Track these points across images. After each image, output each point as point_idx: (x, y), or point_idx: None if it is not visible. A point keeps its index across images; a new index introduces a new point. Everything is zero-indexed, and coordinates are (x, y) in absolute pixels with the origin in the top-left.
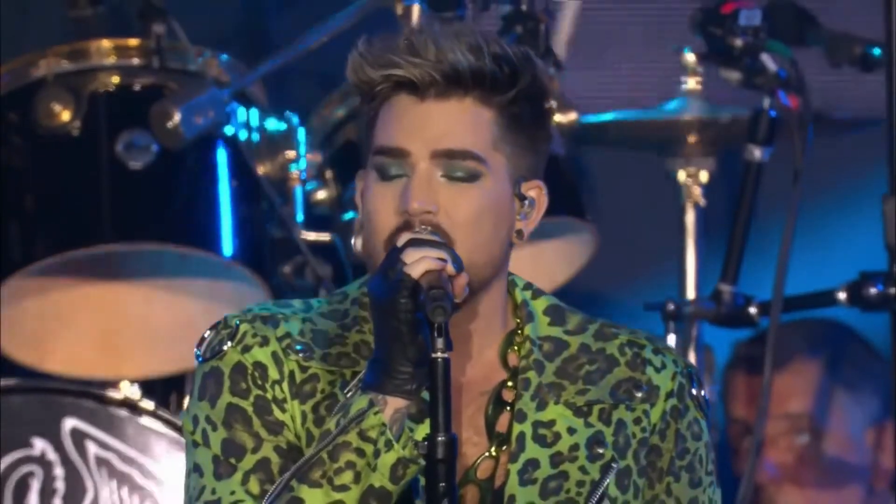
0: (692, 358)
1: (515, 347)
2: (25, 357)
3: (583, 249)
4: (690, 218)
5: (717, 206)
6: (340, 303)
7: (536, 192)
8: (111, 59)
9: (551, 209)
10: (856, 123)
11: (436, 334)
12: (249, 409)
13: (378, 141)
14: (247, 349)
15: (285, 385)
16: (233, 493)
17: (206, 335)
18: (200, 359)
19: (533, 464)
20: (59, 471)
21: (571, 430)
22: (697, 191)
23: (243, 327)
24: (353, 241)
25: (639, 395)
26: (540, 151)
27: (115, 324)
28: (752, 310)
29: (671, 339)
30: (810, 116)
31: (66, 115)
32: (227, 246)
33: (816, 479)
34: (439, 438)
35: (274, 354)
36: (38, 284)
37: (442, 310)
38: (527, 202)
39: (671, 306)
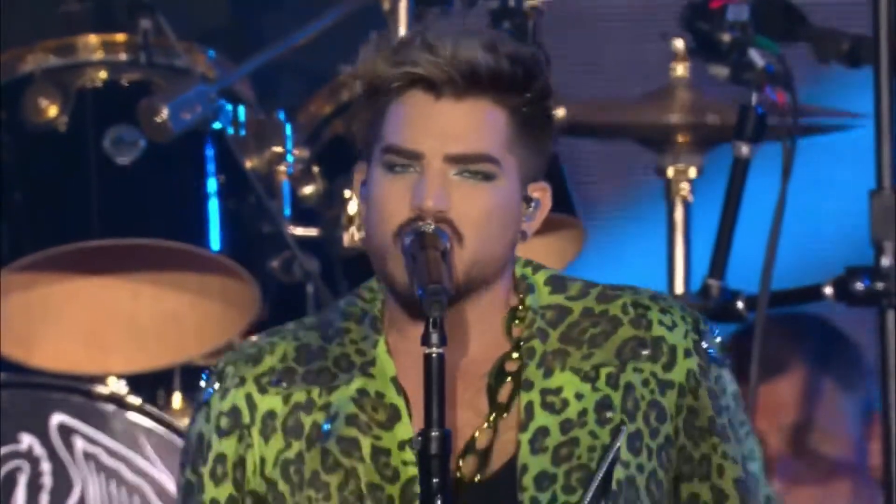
0: None
1: (517, 321)
2: (13, 352)
3: (571, 245)
4: (679, 214)
5: (705, 201)
6: (331, 311)
7: (541, 193)
8: (98, 55)
9: None
10: (843, 119)
11: (431, 328)
12: (181, 493)
13: (389, 139)
14: (225, 392)
15: (255, 430)
16: None
17: (202, 382)
18: (192, 418)
19: (543, 432)
20: (46, 466)
21: (579, 396)
22: (686, 187)
23: (227, 369)
24: (343, 235)
25: (644, 352)
26: (545, 153)
27: (102, 319)
28: (740, 304)
29: None
30: (797, 112)
31: (53, 111)
32: (215, 240)
33: (814, 475)
34: (433, 434)
35: (248, 396)
36: (25, 279)
37: (438, 304)
38: (532, 204)
39: None
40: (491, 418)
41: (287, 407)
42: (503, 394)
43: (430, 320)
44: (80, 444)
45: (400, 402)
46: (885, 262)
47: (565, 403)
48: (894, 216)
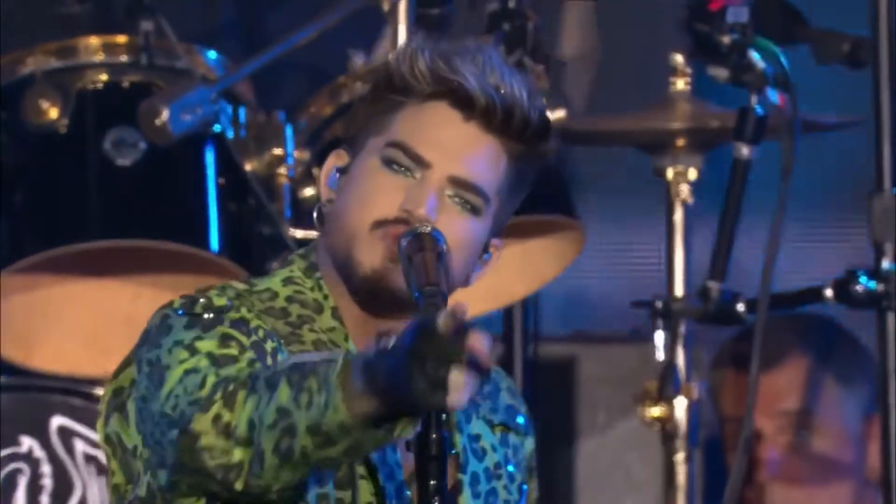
0: (680, 356)
1: None
2: (12, 354)
3: (571, 247)
4: (678, 216)
5: (705, 203)
6: (272, 300)
7: (494, 251)
8: (99, 57)
9: (541, 207)
10: (843, 120)
11: None
12: (246, 342)
13: (401, 136)
14: (251, 317)
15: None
16: (240, 369)
17: (195, 296)
18: (182, 312)
19: (475, 477)
20: (46, 468)
21: (493, 447)
22: (685, 189)
23: (237, 303)
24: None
25: (518, 422)
26: (515, 208)
27: (102, 321)
28: (740, 307)
29: (659, 337)
30: (797, 113)
31: (54, 113)
32: (215, 242)
33: (811, 474)
34: (432, 436)
35: (270, 333)
36: (25, 281)
37: (434, 306)
38: (486, 255)
39: (658, 304)
40: None
41: None
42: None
43: None
44: (80, 446)
45: None
46: (885, 264)
47: (484, 452)
48: (893, 217)
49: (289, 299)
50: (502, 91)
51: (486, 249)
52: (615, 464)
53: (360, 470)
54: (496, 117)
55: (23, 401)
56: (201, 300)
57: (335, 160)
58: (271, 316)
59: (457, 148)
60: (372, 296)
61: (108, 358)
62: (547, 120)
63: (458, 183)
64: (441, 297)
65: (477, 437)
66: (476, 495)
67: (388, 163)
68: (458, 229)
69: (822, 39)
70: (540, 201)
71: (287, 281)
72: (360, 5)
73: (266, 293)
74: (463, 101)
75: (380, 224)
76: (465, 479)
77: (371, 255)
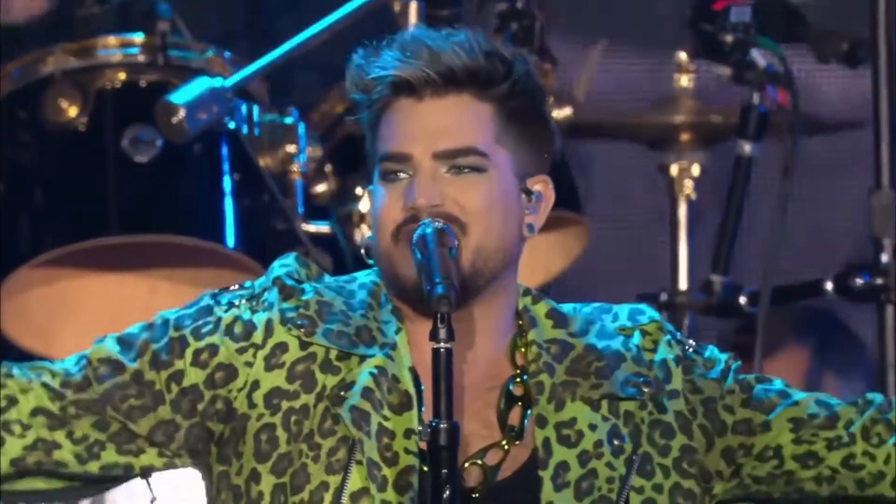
0: None
1: (522, 350)
2: (33, 345)
3: (577, 241)
4: (682, 211)
5: (708, 198)
6: (348, 282)
7: (542, 185)
8: (117, 57)
9: None
10: (843, 117)
11: (439, 323)
12: (156, 348)
13: (381, 148)
14: (254, 310)
15: (262, 354)
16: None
17: (231, 287)
18: (210, 298)
19: (563, 467)
20: None
21: (592, 427)
22: (689, 184)
23: (265, 294)
24: (354, 231)
25: (647, 390)
26: (543, 149)
27: (120, 313)
28: (742, 300)
29: None
30: (798, 111)
31: (73, 111)
32: (230, 237)
33: None
34: (442, 426)
35: (268, 322)
36: (46, 274)
37: (446, 300)
38: (534, 196)
39: (664, 297)
40: (503, 443)
41: (303, 352)
42: (513, 417)
43: (438, 316)
44: None
45: (413, 392)
46: (884, 258)
47: (580, 435)
48: (892, 213)
49: (361, 285)
50: (434, 57)
51: (528, 192)
52: None
53: (357, 455)
54: (440, 83)
55: None
56: (233, 287)
57: (368, 196)
58: (336, 293)
59: (425, 127)
60: (423, 306)
61: None
62: (501, 55)
63: (444, 156)
64: (452, 290)
65: (571, 422)
66: (563, 486)
67: (385, 176)
68: (471, 196)
69: (822, 39)
70: None
71: (371, 272)
72: (373, 5)
73: (347, 277)
74: (409, 89)
75: (396, 232)
76: (548, 474)
77: (409, 271)
